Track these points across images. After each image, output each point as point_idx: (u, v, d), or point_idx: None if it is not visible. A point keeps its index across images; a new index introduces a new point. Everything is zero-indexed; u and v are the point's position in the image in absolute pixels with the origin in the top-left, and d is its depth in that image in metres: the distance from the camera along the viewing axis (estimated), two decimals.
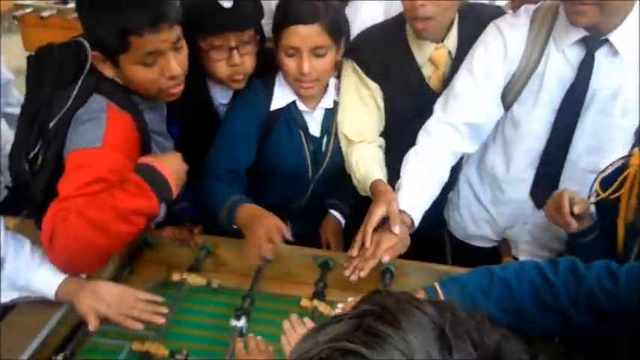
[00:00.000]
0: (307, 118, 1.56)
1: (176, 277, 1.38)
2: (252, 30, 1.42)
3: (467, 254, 1.67)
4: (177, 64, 1.23)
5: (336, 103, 1.57)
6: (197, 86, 1.48)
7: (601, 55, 1.32)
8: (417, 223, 1.37)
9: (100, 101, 1.23)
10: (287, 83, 1.52)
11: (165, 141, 1.43)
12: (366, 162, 1.47)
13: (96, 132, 1.18)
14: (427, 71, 1.54)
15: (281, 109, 1.53)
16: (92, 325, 1.14)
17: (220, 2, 1.32)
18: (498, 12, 1.54)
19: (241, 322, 1.22)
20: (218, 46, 1.39)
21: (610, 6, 1.21)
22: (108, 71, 1.24)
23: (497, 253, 1.65)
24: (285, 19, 1.37)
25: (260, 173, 1.60)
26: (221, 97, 1.58)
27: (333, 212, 1.68)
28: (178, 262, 1.46)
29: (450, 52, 1.52)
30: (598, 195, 1.27)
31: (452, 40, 1.51)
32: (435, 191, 1.46)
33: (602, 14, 1.22)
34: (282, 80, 1.53)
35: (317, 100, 1.55)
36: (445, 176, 1.49)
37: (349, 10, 1.81)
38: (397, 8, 1.51)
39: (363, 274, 1.27)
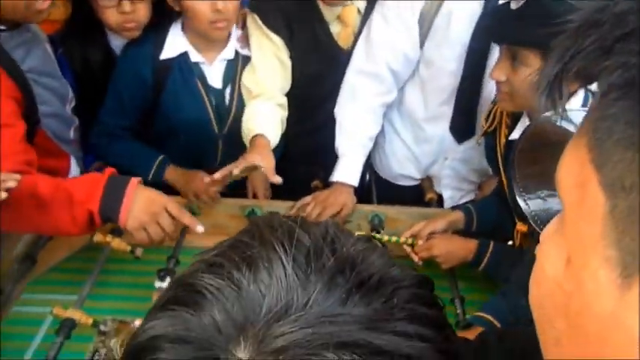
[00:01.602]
0: (205, 69, 1.50)
1: (98, 238, 1.34)
2: None
3: (392, 193, 1.70)
4: None
5: (237, 54, 1.52)
6: (94, 34, 1.44)
7: None
8: (356, 185, 1.51)
9: None
10: (184, 33, 1.47)
11: (54, 82, 1.35)
12: (257, 118, 1.45)
13: None
14: (335, 29, 1.52)
15: (174, 60, 1.47)
16: None
17: None
18: None
19: (165, 283, 1.21)
20: None
21: None
22: None
23: (420, 190, 1.69)
24: None
25: (161, 130, 1.56)
26: (120, 45, 1.51)
27: None
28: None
29: (359, 9, 1.51)
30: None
31: None
32: (369, 147, 1.58)
33: None
34: (177, 30, 1.47)
35: (217, 51, 1.49)
36: (377, 129, 1.57)
37: None
38: None
39: None
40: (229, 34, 1.50)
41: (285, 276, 0.34)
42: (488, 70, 1.40)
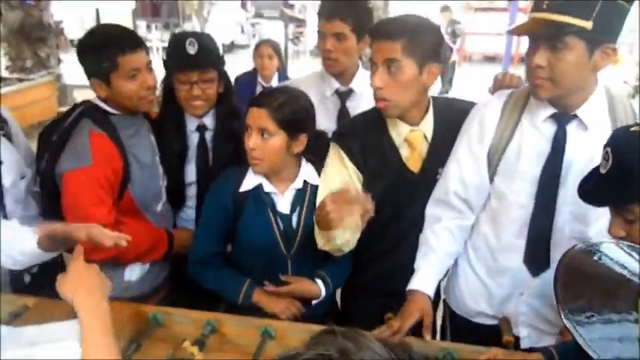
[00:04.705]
0: (276, 198, 1.69)
1: (186, 344, 1.43)
2: (213, 72, 1.85)
3: (467, 332, 1.67)
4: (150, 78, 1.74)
5: (306, 183, 1.70)
6: (175, 114, 1.94)
7: (572, 128, 1.44)
8: (432, 297, 1.56)
9: (87, 125, 1.69)
10: None
11: (148, 175, 1.83)
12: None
13: (83, 152, 1.64)
14: (405, 152, 1.68)
15: (250, 191, 1.68)
16: None
17: (187, 49, 1.78)
18: (471, 104, 1.69)
19: None
20: (183, 80, 1.83)
21: (561, 79, 1.35)
22: (102, 92, 1.71)
23: (498, 331, 1.64)
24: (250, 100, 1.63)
25: (239, 252, 1.74)
26: (191, 124, 1.98)
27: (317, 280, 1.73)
28: (185, 339, 1.50)
29: (425, 136, 1.67)
30: None
31: (427, 125, 1.67)
32: (447, 264, 1.67)
33: (557, 87, 1.36)
34: None
35: (288, 183, 1.70)
36: (455, 247, 1.65)
37: (351, 102, 2.03)
38: None
39: None
40: (298, 168, 1.71)
41: None
42: (559, 203, 1.46)
